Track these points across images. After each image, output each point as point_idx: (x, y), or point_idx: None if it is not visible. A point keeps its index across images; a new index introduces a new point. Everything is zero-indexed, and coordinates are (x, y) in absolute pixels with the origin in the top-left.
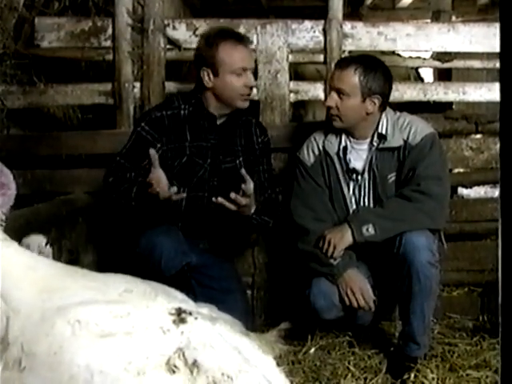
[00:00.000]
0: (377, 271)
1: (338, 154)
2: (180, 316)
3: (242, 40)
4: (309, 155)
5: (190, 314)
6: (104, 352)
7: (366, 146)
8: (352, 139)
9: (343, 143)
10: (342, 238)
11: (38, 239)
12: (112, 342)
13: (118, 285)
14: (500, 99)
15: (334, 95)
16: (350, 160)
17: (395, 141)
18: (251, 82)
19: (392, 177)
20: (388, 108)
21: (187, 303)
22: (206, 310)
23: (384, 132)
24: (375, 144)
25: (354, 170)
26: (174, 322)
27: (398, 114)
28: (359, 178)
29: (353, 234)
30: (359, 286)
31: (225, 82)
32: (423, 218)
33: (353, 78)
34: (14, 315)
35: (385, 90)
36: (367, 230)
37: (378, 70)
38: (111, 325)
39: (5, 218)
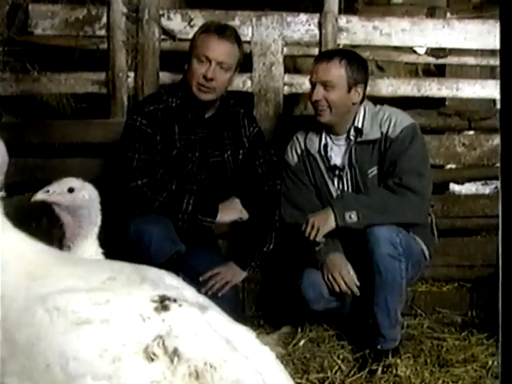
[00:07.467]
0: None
1: (319, 151)
2: (163, 303)
3: (223, 34)
4: (292, 155)
5: (175, 301)
6: (79, 339)
7: (344, 141)
8: (332, 136)
9: (323, 140)
10: (325, 222)
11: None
12: (88, 329)
13: (102, 273)
14: (500, 95)
15: (320, 89)
16: (331, 157)
17: (372, 134)
18: (210, 73)
19: (373, 171)
20: (367, 101)
21: (177, 290)
22: (201, 298)
23: (360, 126)
24: (352, 138)
25: (336, 167)
26: (156, 309)
27: (379, 107)
28: (341, 173)
29: (335, 219)
30: (339, 271)
31: (189, 67)
32: (406, 212)
33: (339, 69)
34: None
35: (366, 79)
36: (350, 216)
37: (359, 60)
38: (89, 312)
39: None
